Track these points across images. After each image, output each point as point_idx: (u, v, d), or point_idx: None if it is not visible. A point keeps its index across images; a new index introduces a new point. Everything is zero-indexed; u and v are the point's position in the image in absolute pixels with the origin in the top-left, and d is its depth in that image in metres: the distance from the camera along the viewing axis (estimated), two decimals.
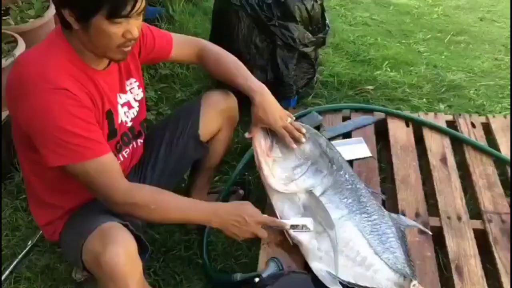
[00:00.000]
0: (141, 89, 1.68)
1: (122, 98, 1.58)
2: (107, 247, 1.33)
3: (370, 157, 2.09)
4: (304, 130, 1.74)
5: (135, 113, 1.66)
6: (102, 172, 1.38)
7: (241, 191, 2.10)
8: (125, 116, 1.61)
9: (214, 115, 1.82)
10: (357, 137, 2.20)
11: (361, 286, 1.55)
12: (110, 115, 1.51)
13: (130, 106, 1.63)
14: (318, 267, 1.57)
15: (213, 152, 1.90)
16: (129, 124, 1.64)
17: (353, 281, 1.55)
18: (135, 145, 1.70)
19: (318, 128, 2.25)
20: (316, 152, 1.76)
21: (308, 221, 1.59)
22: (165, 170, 1.77)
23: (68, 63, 1.38)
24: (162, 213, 1.45)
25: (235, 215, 1.49)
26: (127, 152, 1.66)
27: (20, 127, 1.41)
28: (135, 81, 1.65)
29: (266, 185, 1.72)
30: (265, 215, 1.56)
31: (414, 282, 1.55)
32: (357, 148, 2.13)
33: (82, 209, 1.55)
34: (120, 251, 1.33)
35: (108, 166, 1.40)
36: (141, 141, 1.74)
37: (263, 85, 1.70)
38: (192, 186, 1.97)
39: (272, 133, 1.73)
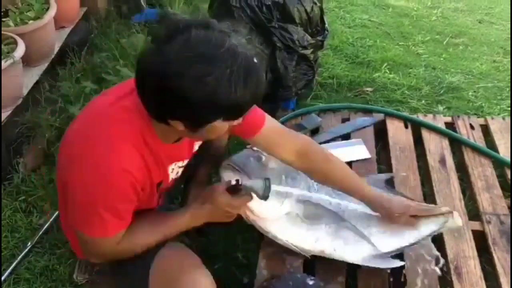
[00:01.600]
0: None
1: (184, 163, 1.50)
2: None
3: (369, 158, 2.10)
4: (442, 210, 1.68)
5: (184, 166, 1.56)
6: (99, 247, 1.35)
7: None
8: (178, 174, 1.52)
9: None
10: (356, 139, 2.20)
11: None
12: (160, 186, 1.45)
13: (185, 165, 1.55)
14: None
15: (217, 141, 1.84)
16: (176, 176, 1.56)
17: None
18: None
19: (317, 130, 2.26)
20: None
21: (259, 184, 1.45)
22: None
23: (141, 143, 1.28)
24: (148, 246, 1.40)
25: (210, 210, 1.44)
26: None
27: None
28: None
29: (262, 228, 1.66)
30: (233, 199, 1.44)
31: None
32: (356, 150, 2.13)
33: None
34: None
35: (109, 243, 1.34)
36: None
37: (378, 193, 1.66)
38: (192, 179, 1.91)
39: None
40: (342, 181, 1.63)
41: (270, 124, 1.56)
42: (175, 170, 1.48)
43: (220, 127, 1.24)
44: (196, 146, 1.54)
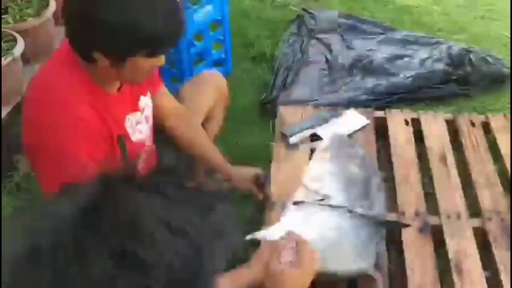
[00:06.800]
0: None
1: (136, 117, 1.53)
2: None
3: (367, 125, 2.13)
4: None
5: (151, 126, 1.62)
6: None
7: None
8: (141, 134, 1.56)
9: (202, 91, 1.81)
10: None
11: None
12: (122, 140, 1.47)
13: (147, 121, 1.59)
14: None
15: (207, 132, 1.88)
16: (147, 139, 1.60)
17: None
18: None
19: None
20: None
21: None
22: None
23: (86, 92, 1.35)
24: None
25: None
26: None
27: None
28: (148, 95, 1.61)
29: None
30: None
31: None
32: (352, 119, 2.15)
33: None
34: None
35: None
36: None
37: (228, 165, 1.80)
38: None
39: None
40: (203, 147, 1.77)
41: (163, 86, 1.70)
42: (134, 127, 1.50)
43: (142, 66, 1.30)
44: (142, 101, 1.56)
